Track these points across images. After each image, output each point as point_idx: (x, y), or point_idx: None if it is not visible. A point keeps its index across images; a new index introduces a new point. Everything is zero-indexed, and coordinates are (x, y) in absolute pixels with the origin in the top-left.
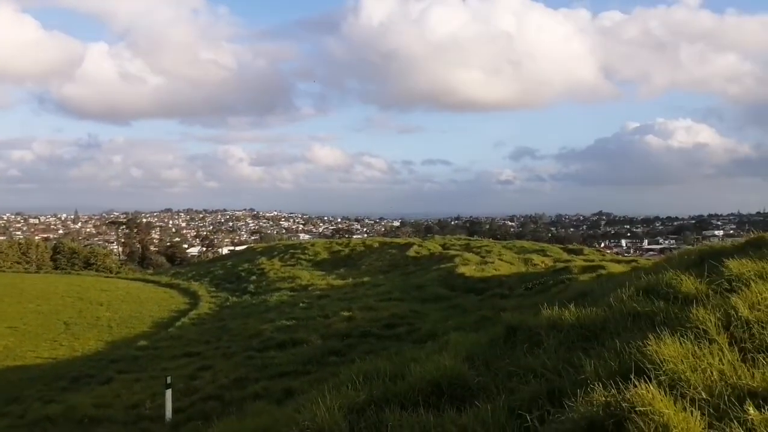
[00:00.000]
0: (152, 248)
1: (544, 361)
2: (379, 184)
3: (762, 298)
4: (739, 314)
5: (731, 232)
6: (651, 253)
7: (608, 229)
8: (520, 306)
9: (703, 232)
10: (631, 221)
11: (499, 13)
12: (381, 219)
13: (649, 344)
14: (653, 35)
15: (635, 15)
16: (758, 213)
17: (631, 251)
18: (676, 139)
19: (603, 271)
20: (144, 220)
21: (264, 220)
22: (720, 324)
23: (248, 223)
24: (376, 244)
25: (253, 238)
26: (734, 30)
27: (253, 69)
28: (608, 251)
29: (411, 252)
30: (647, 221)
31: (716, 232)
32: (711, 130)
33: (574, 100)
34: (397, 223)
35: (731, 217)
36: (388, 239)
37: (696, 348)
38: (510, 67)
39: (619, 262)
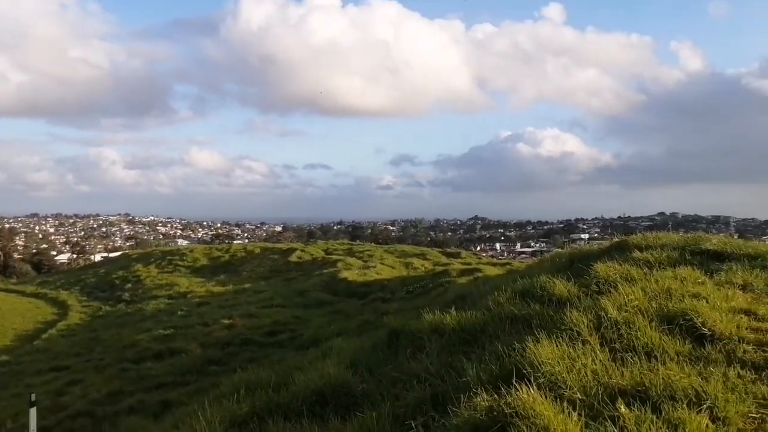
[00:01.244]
0: (16, 256)
1: (427, 366)
2: (260, 188)
3: (628, 300)
4: (609, 316)
5: (596, 235)
6: (523, 255)
7: (484, 233)
8: (402, 309)
9: (571, 235)
10: (505, 225)
11: (377, 21)
12: (263, 224)
13: (528, 347)
14: (522, 48)
15: (505, 28)
16: (619, 217)
17: (505, 254)
18: (544, 147)
19: (480, 274)
20: (6, 225)
21: (140, 226)
22: (592, 325)
23: (123, 229)
24: (258, 250)
25: (128, 244)
26: (594, 46)
27: (127, 69)
28: (484, 254)
29: (293, 257)
30: (520, 225)
31: (582, 236)
32: (576, 139)
33: (450, 109)
34: (279, 228)
35: (595, 221)
36: (270, 244)
37: (571, 349)
38: (388, 74)
39: (494, 264)
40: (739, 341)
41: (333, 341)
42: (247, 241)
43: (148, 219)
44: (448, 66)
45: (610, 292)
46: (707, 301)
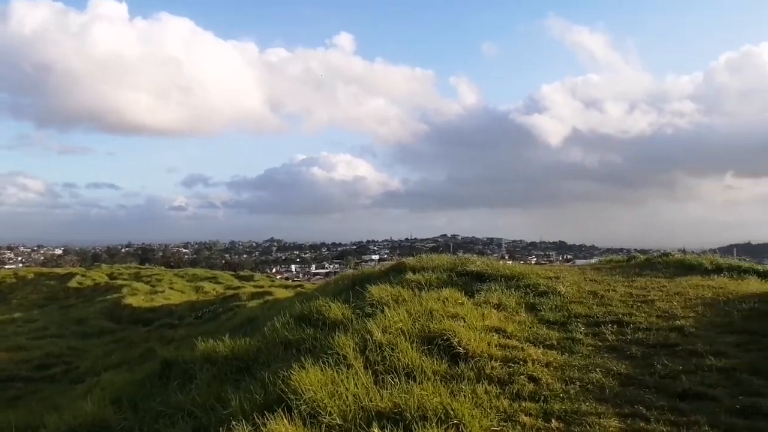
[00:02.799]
0: None
1: (194, 397)
2: (36, 207)
3: (393, 322)
4: (374, 338)
5: (385, 256)
6: (318, 277)
7: (279, 255)
8: (189, 335)
9: (363, 256)
10: (301, 247)
11: (168, 37)
12: (40, 246)
13: (292, 374)
14: (314, 74)
15: (298, 54)
16: (407, 239)
17: (300, 276)
18: (338, 171)
19: (270, 297)
20: None
21: None
22: (358, 348)
23: None
24: (31, 275)
25: None
26: (382, 77)
27: None
28: (279, 276)
29: (73, 283)
30: (315, 247)
31: (373, 257)
32: (367, 165)
33: (244, 130)
34: (59, 251)
35: (386, 243)
36: (46, 269)
37: (336, 374)
38: (179, 92)
39: (287, 287)
40: (488, 358)
41: (101, 376)
42: (21, 265)
43: None
44: (242, 87)
45: (378, 314)
46: (464, 321)
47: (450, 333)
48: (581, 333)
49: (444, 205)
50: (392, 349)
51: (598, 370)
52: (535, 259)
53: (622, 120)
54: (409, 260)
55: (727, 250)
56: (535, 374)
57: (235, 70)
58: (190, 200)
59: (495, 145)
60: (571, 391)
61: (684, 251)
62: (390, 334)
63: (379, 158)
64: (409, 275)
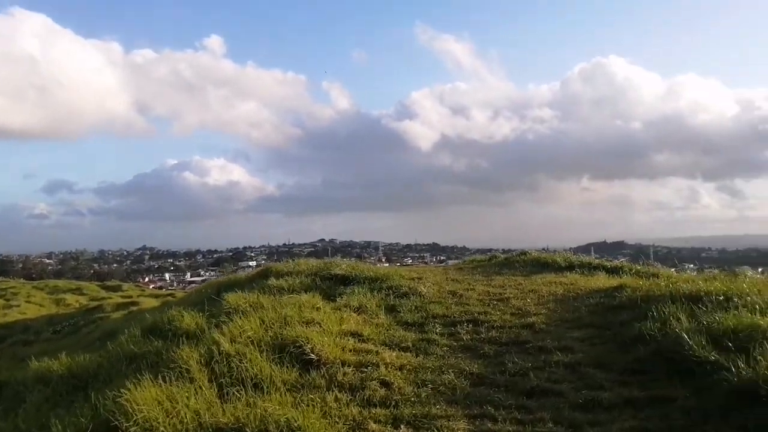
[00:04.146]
0: None
1: (19, 424)
2: None
3: (243, 330)
4: (222, 349)
5: (263, 262)
6: (193, 285)
7: (152, 263)
8: (46, 351)
9: (240, 263)
10: (175, 255)
11: (21, 33)
12: None
13: (125, 392)
14: (183, 77)
15: (166, 55)
16: (284, 244)
17: (175, 284)
18: (211, 176)
19: (135, 308)
20: None
21: None
22: (203, 360)
23: None
24: None
25: None
26: (254, 81)
27: None
28: (152, 285)
29: None
30: (189, 254)
31: (251, 263)
32: (242, 169)
33: (109, 133)
34: None
35: (263, 249)
36: None
37: (176, 389)
38: (36, 93)
39: (157, 296)
40: (341, 364)
41: None
42: None
43: None
44: (106, 88)
45: (227, 323)
46: (320, 326)
47: (303, 340)
48: (437, 333)
49: (321, 210)
50: (240, 359)
51: (451, 371)
52: (410, 261)
53: (488, 126)
54: (276, 265)
55: (585, 249)
56: (387, 379)
57: (98, 70)
58: (54, 208)
59: (369, 150)
60: (423, 395)
61: (546, 250)
62: (239, 343)
63: (253, 162)
64: (272, 281)
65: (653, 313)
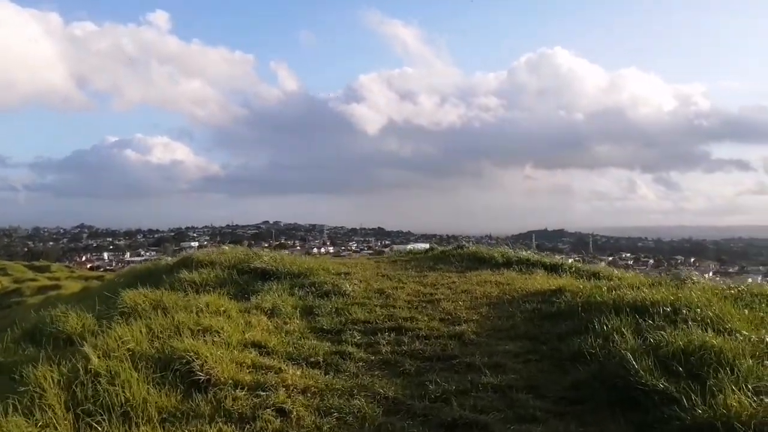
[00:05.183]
0: None
1: None
2: None
3: (123, 342)
4: (89, 365)
5: (205, 243)
6: (132, 264)
7: (90, 242)
8: None
9: (182, 243)
10: (114, 234)
11: None
12: None
13: None
14: (125, 51)
15: (107, 29)
16: (227, 225)
17: (114, 264)
18: (154, 155)
19: (54, 293)
20: None
21: None
22: (65, 381)
23: None
24: None
25: None
26: (200, 58)
27: None
28: (89, 265)
29: None
30: (130, 234)
31: (193, 244)
32: (186, 148)
33: (46, 107)
34: None
35: (206, 229)
36: None
37: (13, 425)
38: None
39: (87, 278)
40: (234, 386)
41: None
42: None
43: None
44: (43, 60)
45: (111, 331)
46: (219, 335)
47: (192, 354)
48: (354, 344)
49: (266, 191)
50: (111, 379)
51: (363, 394)
52: (355, 245)
53: (435, 112)
54: (198, 254)
55: (527, 236)
56: (285, 405)
57: (35, 41)
58: None
59: (315, 132)
60: (325, 427)
61: (490, 237)
62: (115, 358)
63: (198, 142)
64: (184, 274)
65: (595, 326)
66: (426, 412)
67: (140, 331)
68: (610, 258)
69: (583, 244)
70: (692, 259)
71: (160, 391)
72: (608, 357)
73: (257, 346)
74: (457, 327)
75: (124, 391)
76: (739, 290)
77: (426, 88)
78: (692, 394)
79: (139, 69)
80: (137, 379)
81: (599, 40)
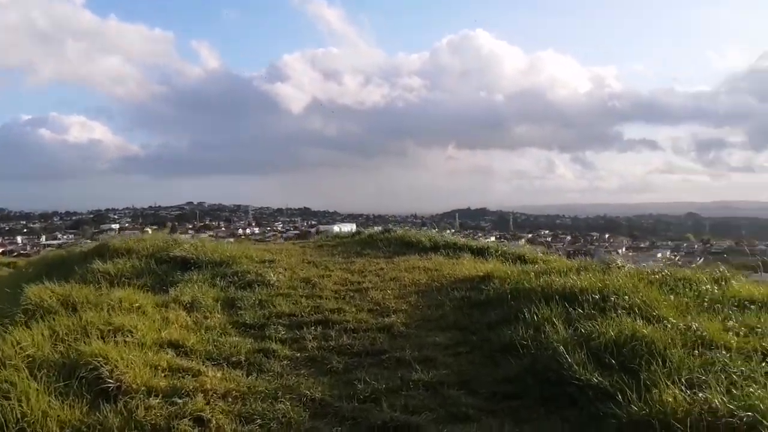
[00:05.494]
0: None
1: None
2: None
3: (21, 347)
4: None
5: (126, 225)
6: (49, 249)
7: (2, 226)
8: None
9: (102, 225)
10: (28, 217)
11: None
12: None
13: None
14: (37, 25)
15: (17, 1)
16: (150, 207)
17: (28, 248)
18: (71, 134)
19: None
20: None
21: None
22: None
23: None
24: None
25: None
26: (117, 34)
27: None
28: (1, 249)
29: None
30: (45, 216)
31: (113, 226)
32: (104, 127)
33: None
34: None
35: (127, 211)
36: None
37: None
38: None
39: None
40: (147, 393)
41: None
42: None
43: None
44: None
45: (7, 335)
46: (133, 335)
47: (101, 359)
48: (279, 340)
49: (190, 172)
50: (6, 392)
51: (288, 396)
52: (281, 225)
53: (359, 92)
54: (115, 241)
55: (450, 215)
56: (204, 413)
57: None
58: None
59: (239, 112)
60: None
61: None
62: (11, 367)
63: (117, 121)
64: (98, 264)
65: (525, 315)
66: (355, 415)
67: (42, 334)
68: (530, 235)
69: (505, 222)
70: (606, 236)
71: (63, 402)
72: (540, 349)
73: (174, 345)
74: (386, 318)
75: (20, 405)
76: (663, 275)
77: (350, 68)
78: (627, 390)
79: (54, 45)
80: (36, 390)
81: (519, 22)
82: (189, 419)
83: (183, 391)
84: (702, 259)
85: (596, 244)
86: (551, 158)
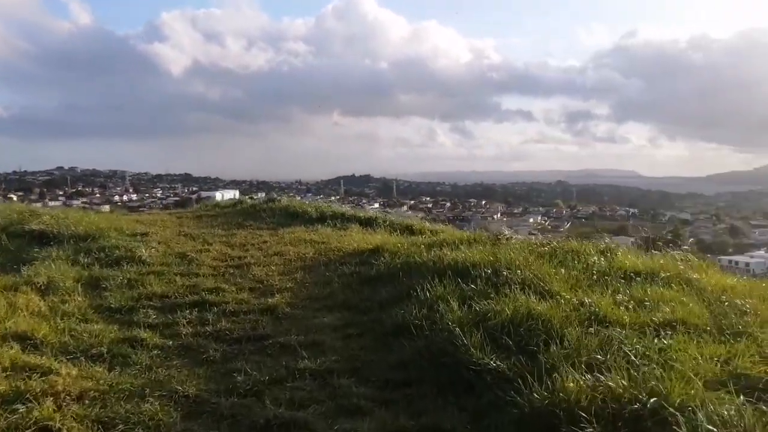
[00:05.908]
0: None
1: None
2: None
3: None
4: None
5: None
6: None
7: None
8: None
9: None
10: None
11: None
12: None
13: None
14: None
15: None
16: (14, 172)
17: None
18: None
19: None
20: None
21: None
22: None
23: None
24: None
25: None
26: None
27: None
28: None
29: None
30: None
31: None
32: None
33: None
34: None
35: None
36: None
37: None
38: None
39: None
40: None
41: None
42: None
43: None
44: None
45: None
46: None
47: None
48: (148, 327)
49: (60, 135)
50: None
51: (157, 394)
52: (161, 192)
53: (242, 56)
54: None
55: (335, 182)
56: (53, 422)
57: None
58: None
59: (115, 72)
60: None
61: (300, 182)
62: None
63: None
64: None
65: (417, 293)
66: (234, 412)
67: None
68: (412, 202)
69: (388, 189)
70: (483, 202)
71: None
72: (435, 330)
73: (21, 338)
74: (269, 299)
75: None
76: (551, 247)
77: (233, 31)
78: (527, 374)
79: None
80: None
81: None
82: (33, 430)
83: (28, 395)
84: (569, 224)
85: (474, 210)
86: (433, 127)
